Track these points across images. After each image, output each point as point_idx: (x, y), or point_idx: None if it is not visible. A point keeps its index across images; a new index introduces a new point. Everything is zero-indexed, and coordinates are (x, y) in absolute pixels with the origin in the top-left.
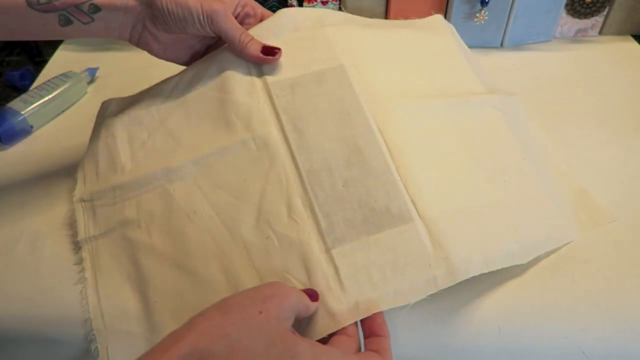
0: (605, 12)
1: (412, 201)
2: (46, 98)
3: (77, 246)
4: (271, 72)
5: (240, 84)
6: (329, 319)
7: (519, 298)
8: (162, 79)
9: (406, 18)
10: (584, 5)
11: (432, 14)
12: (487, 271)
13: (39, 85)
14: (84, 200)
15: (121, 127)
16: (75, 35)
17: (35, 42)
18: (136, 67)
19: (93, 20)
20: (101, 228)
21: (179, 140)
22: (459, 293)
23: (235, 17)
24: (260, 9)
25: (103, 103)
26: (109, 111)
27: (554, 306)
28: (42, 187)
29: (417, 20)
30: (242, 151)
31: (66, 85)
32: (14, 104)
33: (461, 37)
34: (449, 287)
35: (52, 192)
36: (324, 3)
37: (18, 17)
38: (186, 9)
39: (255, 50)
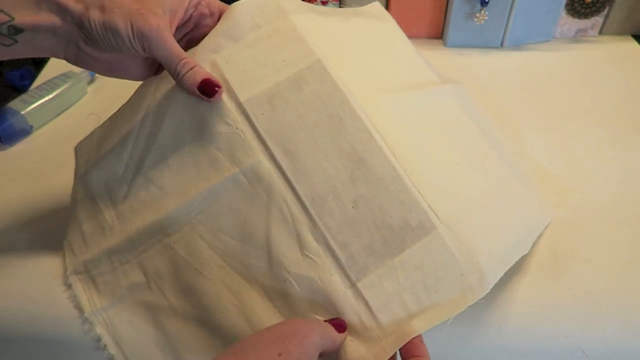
0: (605, 12)
1: (429, 207)
2: (46, 98)
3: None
4: (243, 87)
5: (212, 110)
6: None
7: (519, 298)
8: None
9: (405, 18)
10: (584, 5)
11: (432, 14)
12: (506, 269)
13: (39, 85)
14: (78, 273)
15: (97, 185)
16: None
17: None
18: None
19: (16, 41)
20: (108, 298)
21: (162, 187)
22: None
23: (188, 20)
24: (217, 5)
25: (75, 149)
26: (80, 165)
27: (554, 306)
28: (42, 186)
29: (362, 8)
30: (233, 189)
31: (66, 85)
32: (14, 104)
33: (461, 37)
34: None
35: (51, 192)
36: (324, 3)
37: None
38: (116, 32)
39: (191, 85)
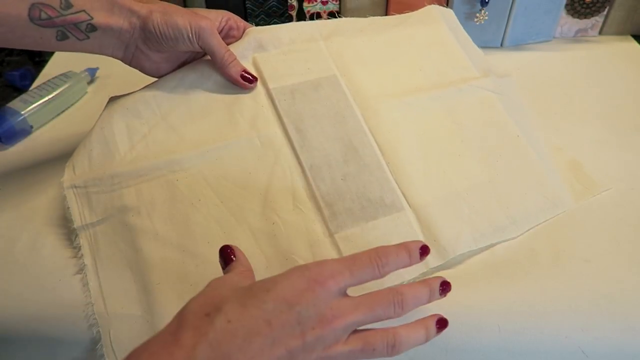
0: (605, 12)
1: (402, 193)
2: (46, 98)
3: (71, 238)
4: (273, 78)
5: (245, 90)
6: None
7: (519, 297)
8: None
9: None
10: (584, 5)
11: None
12: (475, 247)
13: (39, 85)
14: (76, 187)
15: (119, 120)
16: (69, 49)
17: None
18: None
19: (88, 37)
20: (98, 215)
21: (181, 134)
22: (460, 292)
23: (220, 31)
24: (242, 22)
25: (110, 99)
26: (108, 108)
27: (554, 306)
28: (42, 187)
29: (412, 14)
30: (247, 147)
31: (66, 85)
32: (14, 104)
33: None
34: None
35: (52, 192)
36: (324, 3)
37: (18, 29)
38: (176, 28)
39: (236, 72)
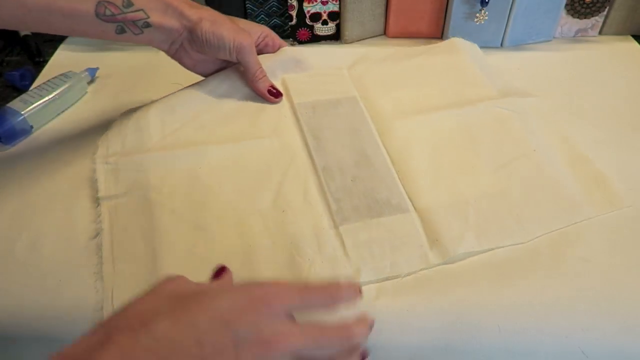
0: (605, 12)
1: (408, 197)
2: (46, 98)
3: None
4: (298, 95)
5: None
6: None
7: (519, 298)
8: (162, 80)
9: (405, 18)
10: (584, 5)
11: (432, 14)
12: (479, 249)
13: (39, 85)
14: (107, 163)
15: (155, 114)
16: (123, 41)
17: (36, 41)
18: (136, 67)
19: (142, 33)
20: (122, 189)
21: (209, 132)
22: (460, 292)
23: (257, 45)
24: (278, 40)
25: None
26: (147, 104)
27: (553, 306)
28: (42, 187)
29: (435, 45)
30: (267, 146)
31: (66, 85)
32: (14, 104)
33: (461, 37)
34: (448, 287)
35: (52, 192)
36: (324, 3)
37: (84, 23)
38: (221, 39)
39: (263, 87)
